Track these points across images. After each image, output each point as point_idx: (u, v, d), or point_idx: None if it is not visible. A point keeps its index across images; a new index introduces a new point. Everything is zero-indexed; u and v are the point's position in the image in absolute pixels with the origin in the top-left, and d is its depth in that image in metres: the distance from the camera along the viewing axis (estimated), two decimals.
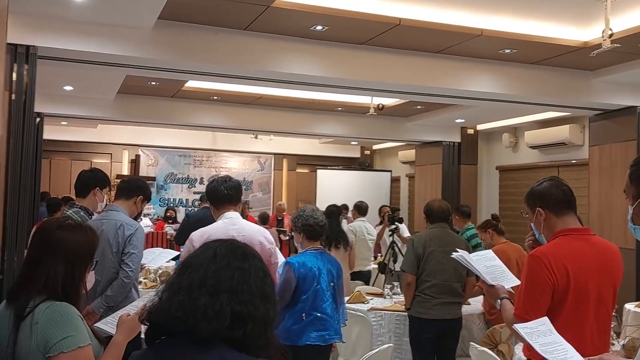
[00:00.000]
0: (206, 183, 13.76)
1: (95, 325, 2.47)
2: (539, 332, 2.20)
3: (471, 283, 4.72)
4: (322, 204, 11.71)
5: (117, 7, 5.18)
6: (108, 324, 2.43)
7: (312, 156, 14.70)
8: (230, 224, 3.53)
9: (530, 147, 10.06)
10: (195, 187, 13.96)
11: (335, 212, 6.90)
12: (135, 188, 4.05)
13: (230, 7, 5.41)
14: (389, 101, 9.28)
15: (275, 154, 14.61)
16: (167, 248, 8.22)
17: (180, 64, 6.09)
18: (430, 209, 4.72)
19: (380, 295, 5.77)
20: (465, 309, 4.86)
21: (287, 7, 5.38)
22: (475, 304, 5.33)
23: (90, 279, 2.14)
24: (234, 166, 14.32)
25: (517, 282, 2.66)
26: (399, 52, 6.55)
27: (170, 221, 11.63)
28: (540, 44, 6.21)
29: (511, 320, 2.49)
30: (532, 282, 2.48)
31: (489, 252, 2.88)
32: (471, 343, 4.06)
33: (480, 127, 11.18)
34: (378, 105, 8.65)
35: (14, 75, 5.30)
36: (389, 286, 5.78)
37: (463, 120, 10.50)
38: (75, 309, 1.97)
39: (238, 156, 14.45)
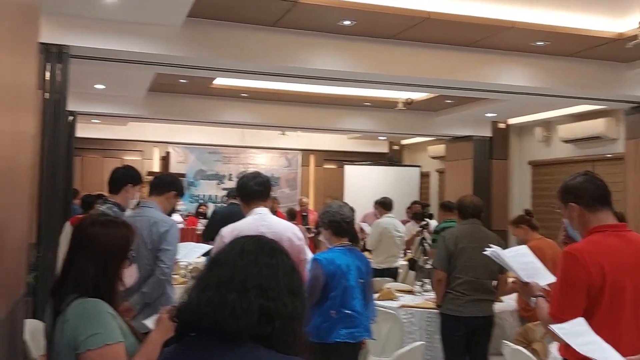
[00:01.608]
0: (235, 179, 13.92)
1: (142, 322, 2.47)
2: (577, 332, 2.15)
3: (504, 280, 4.64)
4: (349, 200, 11.61)
5: (147, 6, 5.22)
6: (154, 322, 2.43)
7: (339, 152, 14.65)
8: (260, 220, 3.52)
9: (564, 141, 9.86)
10: (224, 183, 14.04)
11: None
12: (167, 184, 4.05)
13: (258, 4, 5.40)
14: (417, 95, 9.19)
15: (302, 150, 14.61)
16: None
17: (209, 61, 6.11)
18: (462, 205, 4.65)
19: (411, 292, 5.73)
20: (497, 307, 4.77)
21: (314, 3, 5.35)
22: (507, 301, 5.25)
23: (131, 274, 2.12)
24: (261, 162, 14.36)
25: (553, 279, 2.60)
26: (428, 46, 6.48)
27: (202, 217, 11.70)
28: (574, 35, 6.07)
29: (546, 319, 2.43)
30: (567, 281, 2.42)
31: (523, 248, 2.82)
32: (504, 341, 4.00)
33: (511, 121, 11.01)
34: (407, 99, 8.58)
35: (47, 74, 5.39)
36: (419, 283, 5.73)
37: (494, 115, 10.34)
38: (106, 305, 1.95)
39: (266, 152, 14.49)
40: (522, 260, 2.68)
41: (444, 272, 4.52)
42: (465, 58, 6.63)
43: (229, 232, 3.46)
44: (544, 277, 2.64)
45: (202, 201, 13.50)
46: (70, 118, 8.40)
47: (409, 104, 8.57)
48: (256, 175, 3.70)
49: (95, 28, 5.53)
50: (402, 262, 7.93)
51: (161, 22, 5.58)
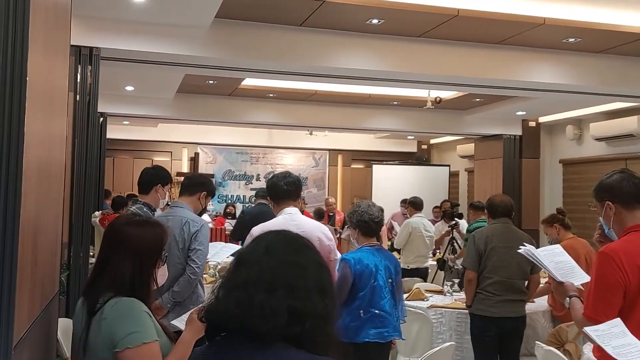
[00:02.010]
0: (262, 180, 13.99)
1: (171, 322, 2.49)
2: (612, 334, 2.09)
3: (535, 281, 4.57)
4: (377, 200, 11.61)
5: (176, 8, 5.26)
6: (183, 322, 2.45)
7: (367, 151, 14.60)
8: (290, 220, 3.52)
9: (596, 139, 9.67)
10: (252, 183, 14.12)
11: None
12: (198, 184, 4.07)
13: (286, 4, 5.41)
14: (446, 94, 9.12)
15: (330, 149, 14.61)
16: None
17: (237, 61, 6.15)
18: (493, 204, 4.59)
19: (440, 292, 5.68)
20: (529, 307, 4.71)
21: (342, 2, 5.34)
22: (539, 302, 5.17)
23: (162, 273, 2.15)
24: (289, 162, 14.40)
25: (587, 278, 2.54)
26: (457, 44, 6.41)
27: (230, 217, 11.78)
28: (606, 31, 5.94)
29: (581, 320, 2.38)
30: (602, 281, 2.37)
31: (558, 247, 2.77)
32: (536, 342, 3.93)
33: (542, 119, 10.84)
34: (435, 98, 8.50)
35: (79, 76, 5.47)
36: (449, 283, 5.67)
37: (524, 113, 10.20)
38: (142, 305, 1.97)
39: (293, 153, 14.53)
40: (556, 260, 2.64)
41: (474, 272, 4.47)
42: (495, 55, 6.54)
43: (259, 231, 3.44)
44: (579, 277, 2.59)
45: (230, 201, 13.60)
46: (102, 120, 8.54)
47: (437, 102, 8.50)
48: (286, 175, 3.71)
49: (125, 30, 5.60)
50: (431, 262, 7.87)
51: (189, 24, 5.62)
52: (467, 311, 4.66)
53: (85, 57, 5.53)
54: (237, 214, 12.60)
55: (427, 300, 5.24)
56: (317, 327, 1.34)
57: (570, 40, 6.28)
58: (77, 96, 5.40)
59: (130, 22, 5.55)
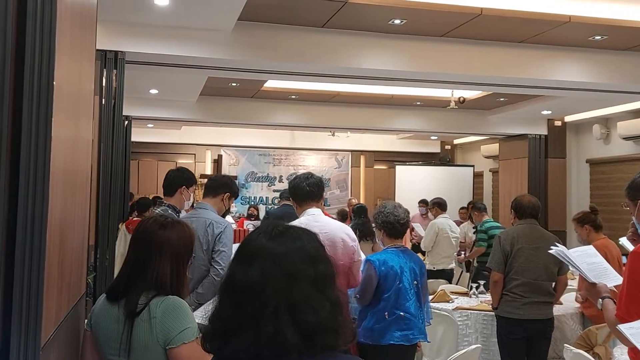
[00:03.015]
0: (285, 181, 14.00)
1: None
2: None
3: (563, 282, 4.50)
4: (401, 201, 11.51)
5: (199, 11, 5.29)
6: (202, 318, 2.47)
7: (390, 152, 14.54)
8: (313, 221, 3.51)
9: (624, 138, 9.49)
10: (274, 185, 14.15)
11: (365, 209, 7.47)
12: (221, 185, 4.07)
13: (308, 5, 5.41)
14: (470, 94, 9.04)
15: (352, 150, 14.58)
16: None
17: (260, 63, 6.16)
18: (520, 204, 4.52)
19: (465, 294, 5.62)
20: (557, 309, 4.63)
21: (364, 2, 5.32)
22: (567, 304, 5.08)
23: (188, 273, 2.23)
24: (311, 164, 14.40)
25: (620, 280, 2.49)
26: (480, 43, 6.35)
27: (253, 218, 11.82)
28: (633, 29, 5.83)
29: (613, 321, 2.33)
30: (635, 282, 2.31)
31: (590, 248, 2.72)
32: (565, 345, 3.87)
33: (568, 118, 10.69)
34: (459, 98, 8.43)
35: (104, 80, 5.53)
36: (474, 285, 5.61)
37: (550, 112, 10.07)
38: (186, 302, 2.06)
39: (316, 154, 14.53)
40: (589, 261, 2.59)
41: (500, 274, 4.41)
42: (520, 54, 6.47)
43: None
44: (612, 278, 2.54)
45: (252, 203, 13.65)
46: (126, 122, 8.62)
47: (461, 102, 8.42)
48: (308, 176, 3.70)
49: (149, 34, 5.65)
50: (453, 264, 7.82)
51: (212, 27, 5.66)
52: (493, 313, 4.60)
53: (110, 61, 5.59)
54: (260, 215, 12.68)
55: (453, 302, 5.19)
56: (329, 334, 1.25)
57: (596, 38, 6.18)
58: (103, 100, 5.45)
59: (154, 26, 5.60)
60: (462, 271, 7.54)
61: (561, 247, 2.70)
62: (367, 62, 6.20)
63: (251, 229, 11.08)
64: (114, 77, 5.63)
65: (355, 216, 7.52)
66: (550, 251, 2.71)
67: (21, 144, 1.38)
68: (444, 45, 6.29)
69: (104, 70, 5.54)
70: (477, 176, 13.29)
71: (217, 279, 3.76)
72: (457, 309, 4.92)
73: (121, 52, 5.64)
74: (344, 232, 3.56)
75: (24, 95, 1.36)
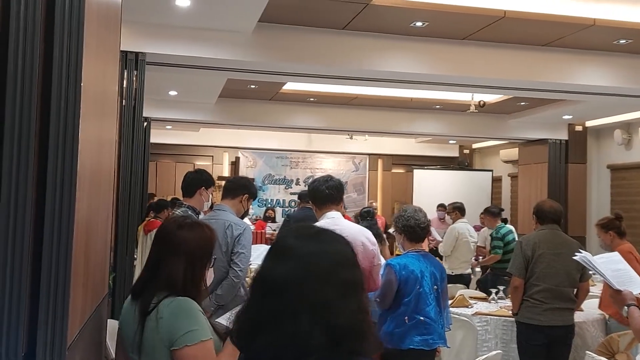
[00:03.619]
0: (302, 184, 13.98)
1: (216, 320, 2.51)
2: None
3: (585, 288, 4.43)
4: (419, 205, 11.45)
5: (219, 13, 5.31)
6: (228, 320, 2.47)
7: (407, 156, 14.46)
8: (332, 224, 3.48)
9: None
10: (291, 187, 14.15)
11: (372, 212, 7.35)
12: (240, 187, 4.07)
13: (329, 7, 5.40)
14: (490, 98, 8.97)
15: (370, 154, 14.52)
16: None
17: (279, 65, 6.16)
18: (541, 209, 4.46)
19: (484, 299, 5.56)
20: (578, 316, 4.56)
21: (385, 4, 5.30)
22: (588, 310, 5.00)
23: (210, 275, 2.19)
24: (328, 167, 14.38)
25: None
26: (502, 46, 6.30)
27: (270, 221, 11.84)
28: None
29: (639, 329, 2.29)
30: None
31: (615, 255, 2.67)
32: (587, 352, 3.80)
33: (589, 123, 10.57)
34: (479, 102, 8.37)
35: (125, 81, 5.55)
36: (494, 290, 5.55)
37: (570, 117, 9.96)
38: (197, 304, 2.02)
39: (333, 157, 14.50)
40: (614, 267, 2.54)
41: (520, 279, 4.35)
42: (542, 58, 6.41)
43: None
44: (637, 285, 2.49)
45: (269, 205, 13.66)
46: (145, 124, 8.67)
47: (481, 106, 8.36)
48: (328, 179, 3.68)
49: (169, 35, 5.67)
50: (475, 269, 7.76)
51: (233, 28, 5.67)
52: (513, 319, 4.54)
53: (131, 62, 5.62)
54: (277, 218, 12.69)
55: (472, 307, 5.13)
56: (356, 336, 1.22)
57: (621, 42, 6.10)
58: (124, 101, 5.48)
59: (174, 27, 5.62)
60: (480, 275, 7.48)
61: (585, 254, 2.66)
62: (388, 65, 6.17)
63: (270, 231, 11.13)
64: (134, 78, 5.66)
65: (361, 219, 7.46)
66: (574, 257, 2.67)
67: (49, 144, 1.37)
68: (465, 48, 6.25)
69: (125, 71, 5.57)
70: (496, 181, 13.18)
71: (236, 280, 3.75)
72: (476, 314, 4.87)
73: (142, 53, 5.68)
74: (364, 235, 3.54)
75: (52, 96, 1.36)
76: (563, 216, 4.53)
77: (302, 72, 6.36)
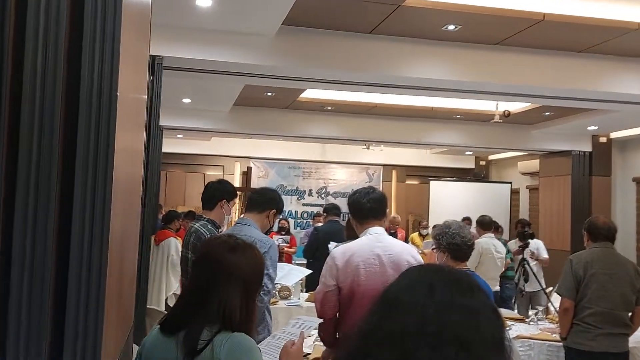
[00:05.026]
0: (315, 195, 13.59)
1: None
2: None
3: None
4: (435, 218, 11.20)
5: (242, 14, 5.03)
6: (270, 346, 2.15)
7: (422, 167, 14.12)
8: (375, 241, 3.17)
9: None
10: (304, 198, 13.83)
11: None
12: (268, 200, 3.68)
13: (357, 9, 5.11)
14: (514, 107, 8.65)
15: (383, 165, 14.19)
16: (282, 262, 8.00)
17: (301, 71, 5.88)
18: (594, 226, 4.13)
19: (521, 320, 5.21)
20: (632, 340, 4.21)
21: (418, 6, 5.00)
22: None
23: None
24: (341, 178, 14.06)
25: None
26: (537, 52, 6.01)
27: (283, 232, 11.47)
28: None
29: None
30: None
31: None
32: None
33: (614, 134, 10.24)
34: (504, 112, 8.04)
35: None
36: (533, 311, 5.20)
37: (596, 128, 9.63)
38: (254, 341, 1.74)
39: (346, 167, 14.17)
40: None
41: (571, 301, 4.02)
42: (578, 64, 6.11)
43: (341, 253, 3.14)
44: None
45: (281, 216, 13.32)
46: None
47: (506, 116, 8.03)
48: (369, 190, 3.35)
49: (189, 38, 5.40)
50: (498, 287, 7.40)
51: (255, 31, 5.39)
52: (559, 343, 4.21)
53: (148, 66, 5.34)
54: (291, 229, 12.34)
55: (510, 329, 4.78)
56: None
57: None
58: None
59: (194, 29, 5.34)
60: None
61: None
62: (415, 71, 5.88)
63: (281, 244, 10.78)
64: (150, 84, 5.37)
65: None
66: None
67: (76, 153, 1.20)
68: (497, 53, 5.95)
69: None
70: (513, 193, 12.83)
71: (259, 304, 3.38)
72: (518, 337, 4.53)
73: (159, 56, 5.39)
74: (410, 254, 3.21)
75: (80, 104, 1.22)
76: (616, 233, 4.19)
77: (324, 78, 6.06)
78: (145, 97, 2.39)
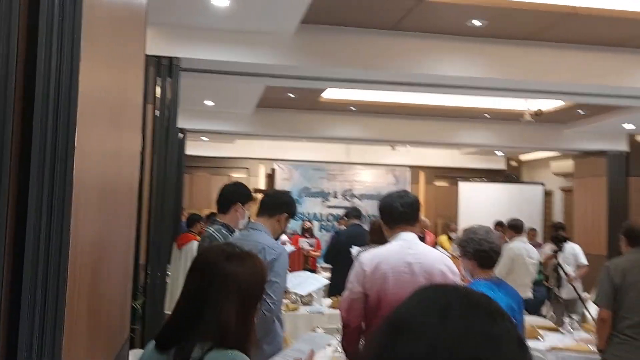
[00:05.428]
0: (340, 197, 13.40)
1: None
2: None
3: None
4: (465, 221, 10.91)
5: (260, 13, 4.88)
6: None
7: (451, 168, 13.81)
8: (406, 248, 2.98)
9: None
10: (329, 200, 13.63)
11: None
12: (281, 204, 3.47)
13: (378, 5, 4.92)
14: (548, 105, 8.34)
15: (411, 166, 13.91)
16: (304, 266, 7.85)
17: (322, 70, 5.72)
18: (633, 229, 3.87)
19: (555, 329, 4.94)
20: None
21: (440, 1, 4.79)
22: None
23: None
24: (367, 180, 13.81)
25: None
26: (568, 47, 5.74)
27: (307, 235, 11.28)
28: None
29: None
30: None
31: None
32: None
33: None
34: (536, 110, 7.73)
35: (158, 89, 5.14)
36: (567, 320, 4.93)
37: (633, 127, 9.24)
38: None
39: (372, 169, 13.92)
40: None
41: (608, 311, 3.76)
42: (612, 60, 5.82)
43: (369, 259, 2.98)
44: None
45: (305, 218, 13.12)
46: (180, 135, 8.31)
47: (538, 115, 7.73)
48: (402, 194, 3.16)
49: (205, 38, 5.28)
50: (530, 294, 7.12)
51: (273, 30, 5.24)
52: (596, 356, 3.96)
53: (165, 68, 5.24)
54: (315, 231, 12.16)
55: (544, 339, 4.53)
56: None
57: None
58: (156, 110, 5.07)
59: (211, 29, 5.21)
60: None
61: None
62: (440, 69, 5.65)
63: (306, 247, 10.61)
64: (168, 86, 5.26)
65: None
66: None
67: (31, 156, 1.09)
68: (526, 49, 5.69)
69: (158, 78, 5.17)
70: (547, 195, 12.46)
71: (267, 314, 3.17)
72: (552, 349, 4.27)
73: (176, 58, 5.28)
74: (444, 263, 3.01)
75: (35, 104, 1.12)
76: None
77: (346, 77, 5.87)
78: (140, 97, 2.24)
